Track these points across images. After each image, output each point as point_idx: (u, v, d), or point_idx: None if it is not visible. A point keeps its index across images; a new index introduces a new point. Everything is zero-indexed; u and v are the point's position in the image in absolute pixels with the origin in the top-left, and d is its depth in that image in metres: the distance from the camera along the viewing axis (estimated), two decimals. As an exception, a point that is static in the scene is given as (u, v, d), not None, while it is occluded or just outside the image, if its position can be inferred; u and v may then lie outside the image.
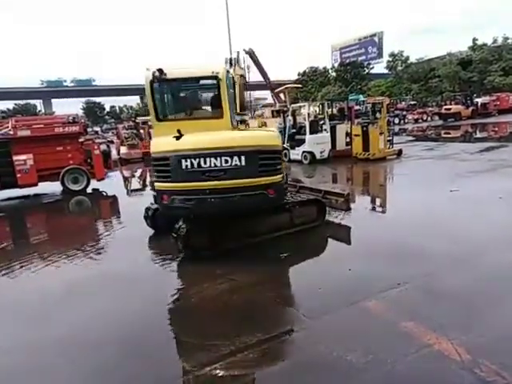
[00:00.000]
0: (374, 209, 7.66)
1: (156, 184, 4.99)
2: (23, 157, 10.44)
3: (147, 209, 6.40)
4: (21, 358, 3.25)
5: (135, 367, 3.01)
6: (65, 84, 74.48)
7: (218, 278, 4.44)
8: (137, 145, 19.82)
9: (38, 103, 71.25)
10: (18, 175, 10.38)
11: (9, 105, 66.30)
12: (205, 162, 4.59)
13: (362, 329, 3.27)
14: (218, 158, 4.59)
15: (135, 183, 13.94)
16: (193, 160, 4.58)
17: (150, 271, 4.96)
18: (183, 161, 4.59)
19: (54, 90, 70.27)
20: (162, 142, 4.85)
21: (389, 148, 13.47)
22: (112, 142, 22.02)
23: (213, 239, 5.19)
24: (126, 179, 14.71)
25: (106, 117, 71.30)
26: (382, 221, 6.74)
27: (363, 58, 64.19)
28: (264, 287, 4.20)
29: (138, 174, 16.04)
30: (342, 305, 3.64)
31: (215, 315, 3.81)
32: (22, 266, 5.45)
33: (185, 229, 4.99)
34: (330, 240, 5.77)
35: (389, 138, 13.69)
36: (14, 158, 10.37)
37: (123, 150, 19.79)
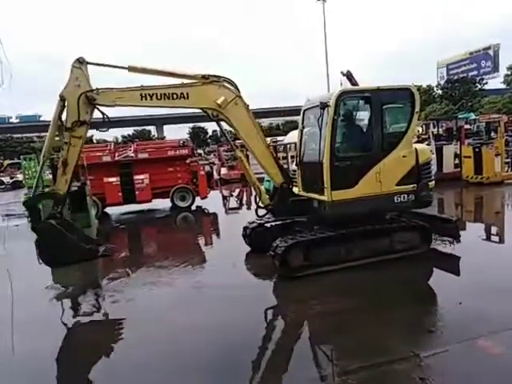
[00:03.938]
0: (488, 238, 6.87)
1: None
2: (141, 176, 11.87)
3: (245, 228, 6.67)
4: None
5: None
6: (10, 120, 70.27)
7: (312, 299, 4.45)
8: (236, 166, 20.91)
9: (152, 129, 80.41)
10: (137, 192, 11.80)
11: (129, 131, 76.17)
12: None
13: (475, 369, 2.95)
14: None
15: (233, 202, 14.70)
16: None
17: (248, 287, 5.17)
18: None
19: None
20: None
21: (507, 171, 12.02)
22: (213, 163, 23.62)
23: (309, 260, 5.23)
24: (224, 198, 15.61)
25: (209, 140, 76.77)
26: (497, 252, 6.00)
27: (474, 73, 58.78)
28: (361, 313, 4.07)
29: (235, 193, 16.90)
30: (453, 341, 3.34)
31: (309, 336, 3.81)
32: (136, 274, 6.16)
33: (282, 248, 5.12)
34: (435, 269, 5.34)
35: (507, 160, 12.25)
36: (134, 177, 11.85)
37: (223, 170, 21.05)
